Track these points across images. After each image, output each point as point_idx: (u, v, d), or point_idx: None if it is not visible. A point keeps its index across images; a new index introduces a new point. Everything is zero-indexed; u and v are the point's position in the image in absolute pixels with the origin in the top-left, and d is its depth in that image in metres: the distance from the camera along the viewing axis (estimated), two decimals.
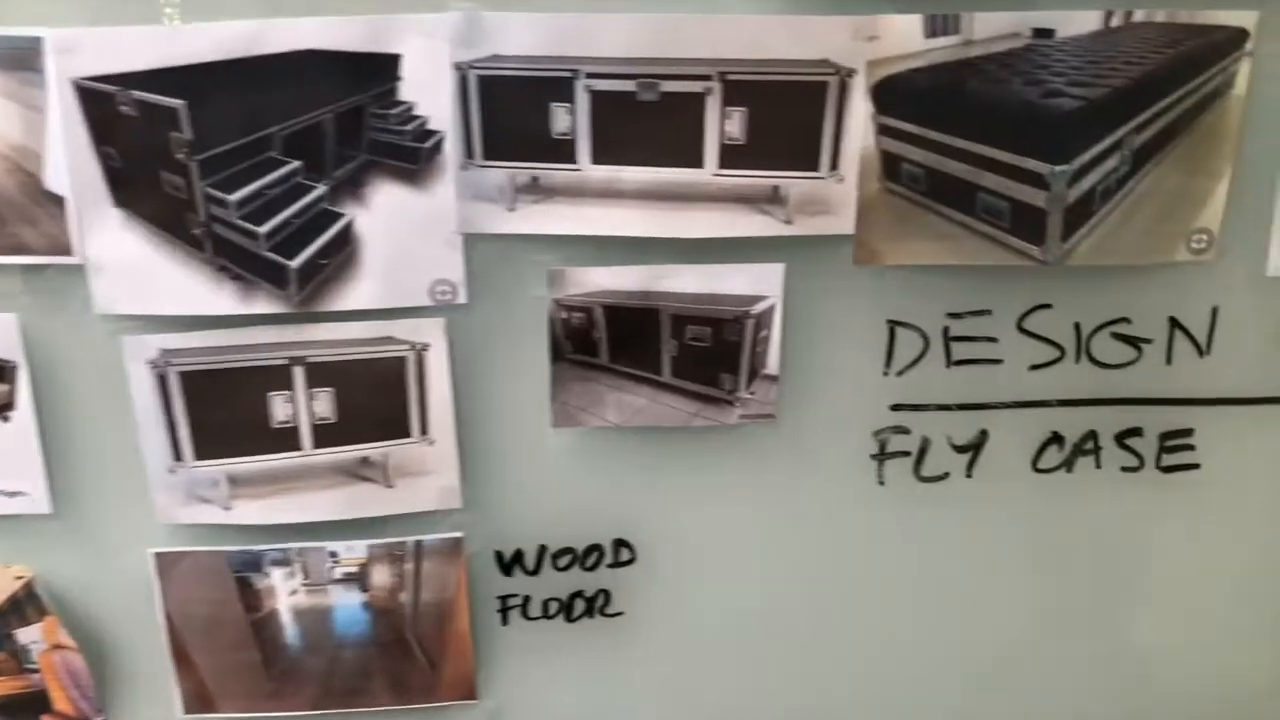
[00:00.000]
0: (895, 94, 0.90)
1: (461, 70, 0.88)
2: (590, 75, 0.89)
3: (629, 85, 0.89)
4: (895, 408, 0.99)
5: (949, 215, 0.93)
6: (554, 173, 0.92)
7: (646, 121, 0.90)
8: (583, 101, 0.89)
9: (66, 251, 0.92)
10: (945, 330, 0.97)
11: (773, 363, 0.97)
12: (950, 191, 0.92)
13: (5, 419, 0.97)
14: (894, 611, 1.05)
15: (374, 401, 0.97)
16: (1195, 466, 1.02)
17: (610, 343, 0.97)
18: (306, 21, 0.87)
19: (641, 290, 0.95)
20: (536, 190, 0.92)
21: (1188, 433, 1.01)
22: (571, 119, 0.90)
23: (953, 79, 0.89)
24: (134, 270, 0.92)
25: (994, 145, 0.90)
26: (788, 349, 0.97)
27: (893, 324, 0.97)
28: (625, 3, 0.87)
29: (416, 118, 0.90)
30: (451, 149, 0.90)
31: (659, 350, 0.97)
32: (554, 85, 0.89)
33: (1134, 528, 1.03)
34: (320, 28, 0.87)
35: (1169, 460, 1.02)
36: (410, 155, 0.91)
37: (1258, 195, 0.93)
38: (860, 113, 0.90)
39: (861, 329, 0.97)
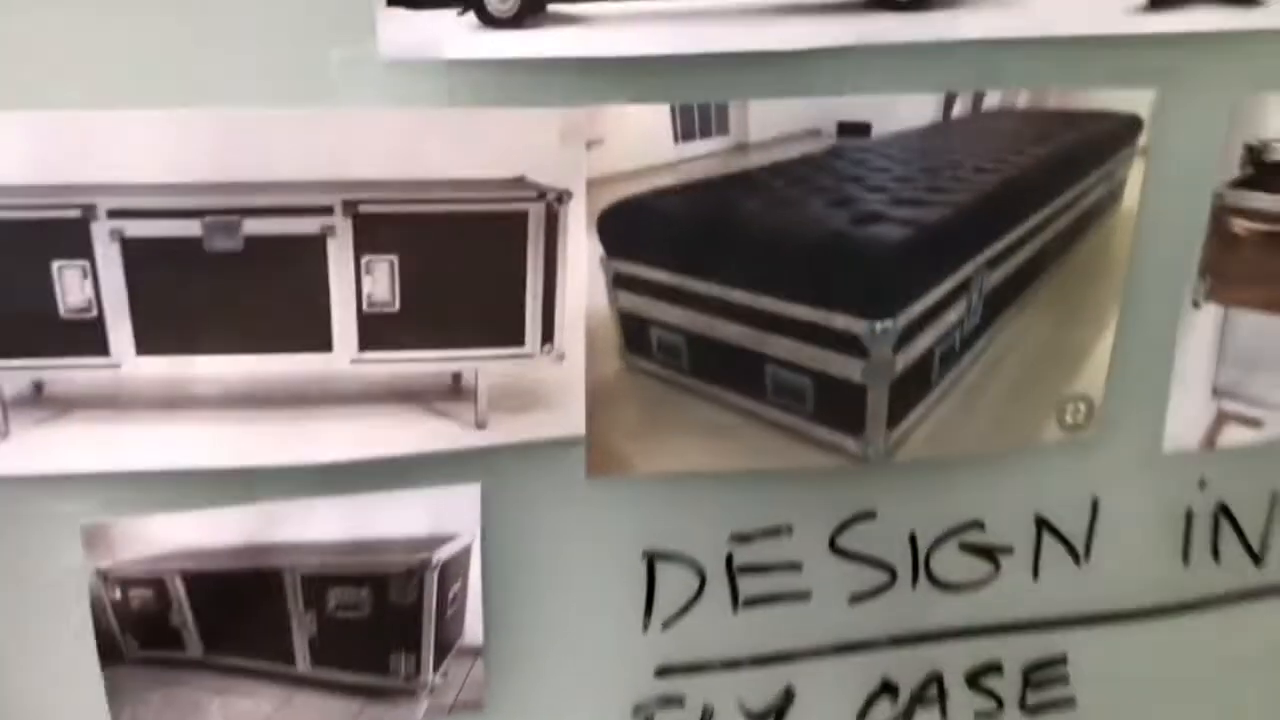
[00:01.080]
0: (634, 227, 0.57)
1: None
2: (117, 213, 0.52)
3: (189, 227, 0.52)
4: (662, 672, 0.67)
5: (724, 399, 0.61)
6: (71, 372, 0.54)
7: (227, 283, 0.53)
8: (109, 255, 0.52)
9: None
10: (728, 559, 0.66)
11: (473, 630, 0.63)
12: (724, 366, 0.60)
13: None
14: None
15: None
16: (1070, 703, 0.74)
17: (204, 628, 0.60)
18: None
19: (249, 544, 0.59)
20: (43, 402, 0.54)
21: (1060, 661, 0.73)
22: (92, 285, 0.52)
23: (719, 202, 0.57)
24: None
25: (786, 297, 0.59)
26: (495, 608, 0.63)
27: (652, 557, 0.65)
28: (177, 90, 0.50)
29: None
30: None
31: (288, 629, 0.61)
32: (55, 232, 0.51)
33: None
34: None
35: (1036, 698, 0.74)
36: None
37: (1152, 347, 0.65)
38: (583, 256, 0.56)
39: (606, 568, 0.64)
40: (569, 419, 0.59)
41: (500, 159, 0.54)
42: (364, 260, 0.55)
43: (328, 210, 0.53)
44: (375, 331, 0.56)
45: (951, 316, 0.61)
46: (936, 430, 0.64)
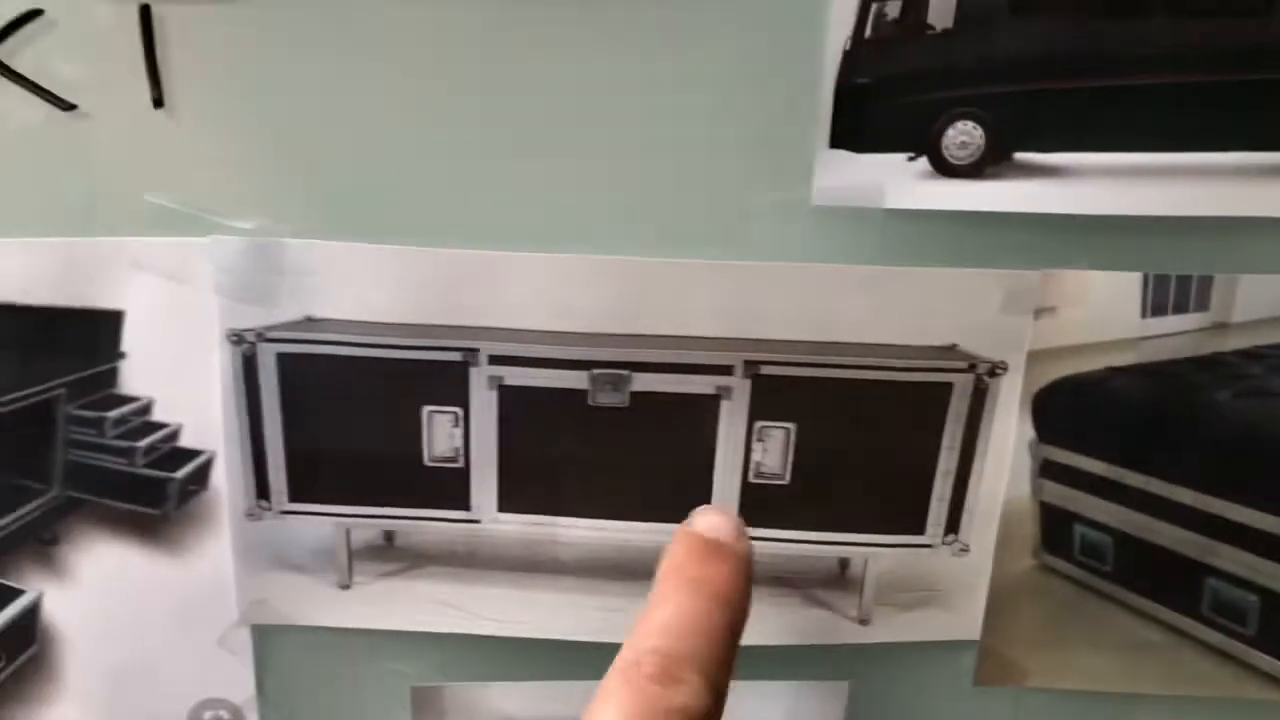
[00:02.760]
0: (1078, 410, 0.48)
1: (243, 344, 0.45)
2: (499, 360, 0.46)
3: (573, 379, 0.46)
4: None
5: (1150, 612, 0.51)
6: (426, 524, 0.48)
7: (605, 441, 0.47)
8: (484, 403, 0.46)
9: None
10: None
11: None
12: (1155, 574, 0.50)
13: None
14: None
15: None
16: None
17: None
18: None
19: None
20: (391, 554, 0.49)
21: None
22: (463, 434, 0.47)
23: (1183, 387, 0.47)
24: None
25: (1243, 501, 0.48)
26: None
27: None
28: (577, 233, 0.44)
29: (158, 427, 0.46)
30: (228, 484, 0.47)
31: None
32: (431, 376, 0.46)
33: None
34: None
35: None
36: (150, 492, 0.47)
37: None
38: (1009, 438, 0.48)
39: None
40: (964, 620, 0.51)
41: (928, 323, 0.46)
42: (757, 426, 0.47)
43: (727, 370, 0.46)
44: (759, 506, 0.48)
45: None
46: None
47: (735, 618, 0.30)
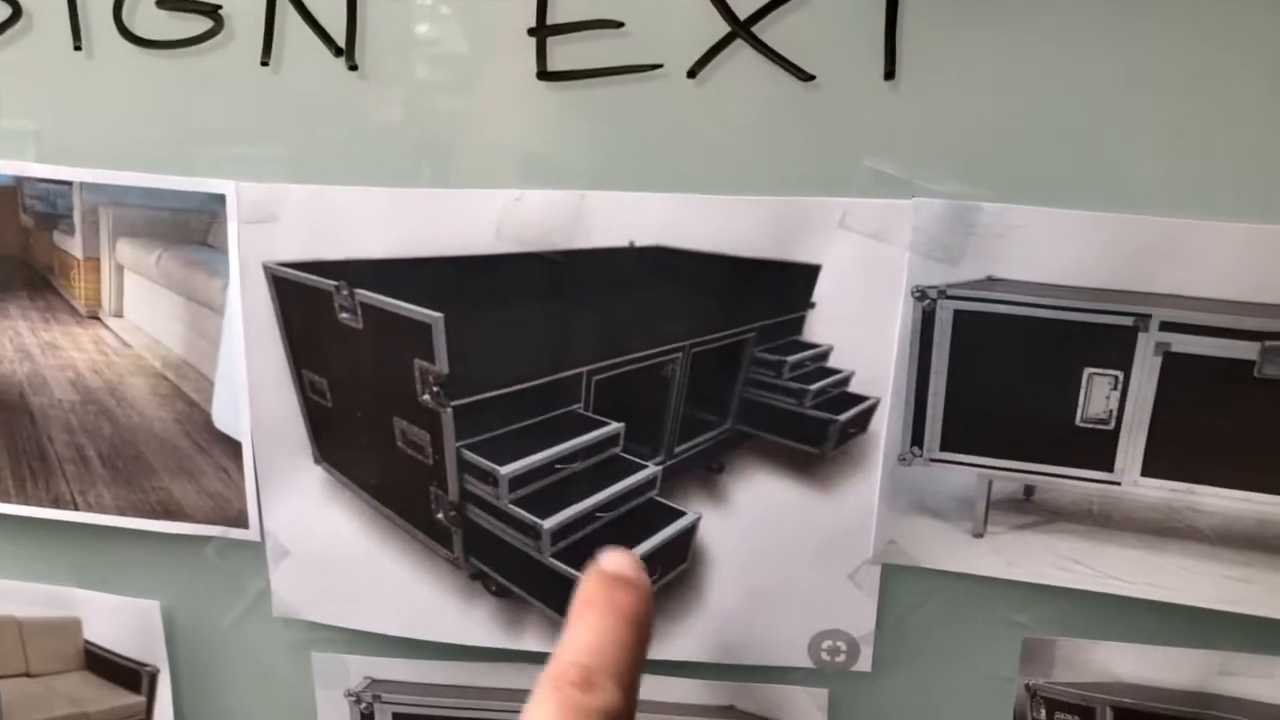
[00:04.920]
0: None
1: (926, 300, 0.48)
2: (1169, 326, 0.47)
3: (1243, 349, 0.47)
4: None
5: None
6: (1067, 482, 0.50)
7: (1259, 414, 0.48)
8: (1147, 368, 0.48)
9: (239, 522, 0.57)
10: None
11: None
12: None
13: None
14: None
15: None
16: None
17: None
18: (662, 200, 0.49)
19: (1191, 690, 0.53)
20: (1027, 508, 0.51)
21: None
22: (1119, 397, 0.49)
23: None
24: (338, 561, 0.57)
25: None
26: None
27: None
28: (1241, 200, 0.45)
29: (830, 373, 0.51)
30: (887, 429, 0.51)
31: None
32: (1097, 339, 0.48)
33: None
34: (683, 211, 0.48)
35: None
36: (812, 432, 0.52)
37: None
38: None
39: None
40: None
41: None
42: None
43: None
44: None
45: None
46: None
47: (642, 635, 0.36)
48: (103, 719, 0.63)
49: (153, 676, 0.62)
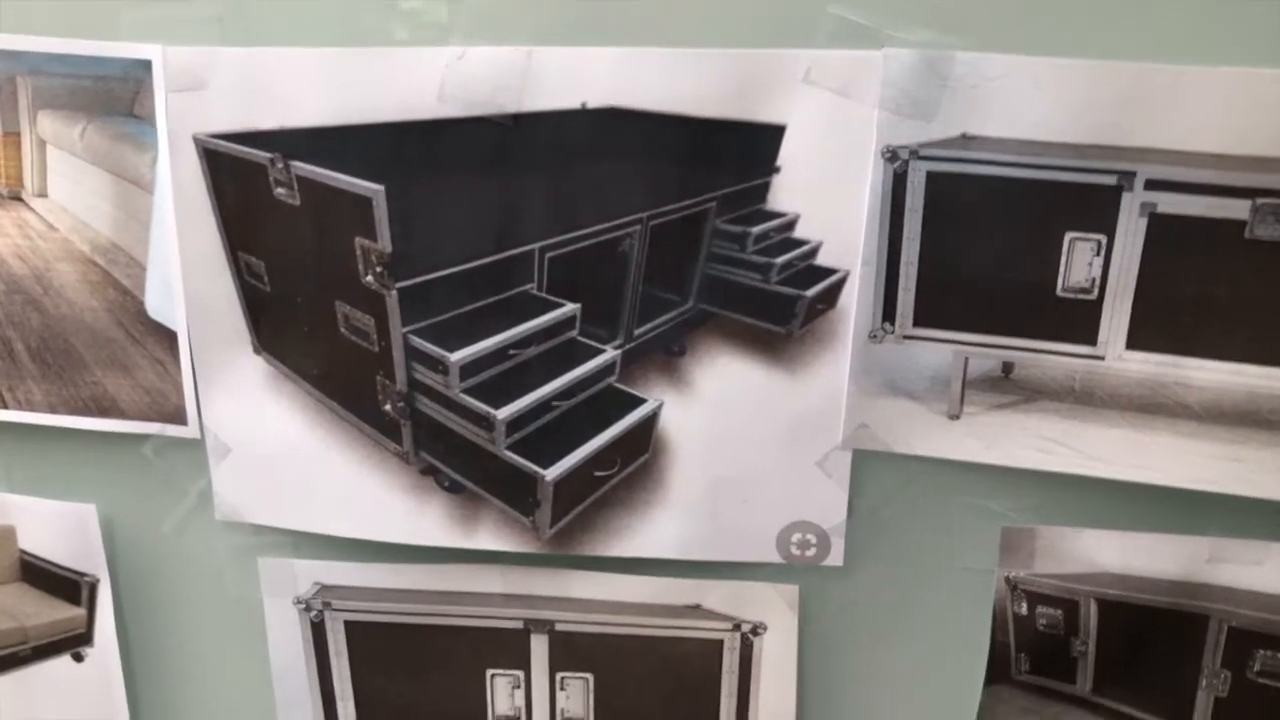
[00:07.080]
0: None
1: (897, 161, 0.45)
2: (1155, 185, 0.44)
3: (1233, 208, 0.44)
4: None
5: None
6: (1048, 357, 0.48)
7: (1251, 280, 0.45)
8: (1132, 231, 0.45)
9: (177, 419, 0.54)
10: None
11: None
12: None
13: (78, 658, 0.60)
14: None
15: (657, 706, 0.56)
16: None
17: (1101, 662, 0.52)
18: (615, 54, 0.45)
19: (1178, 580, 0.51)
20: (1006, 386, 0.49)
21: None
22: (1102, 263, 0.46)
23: None
24: (282, 458, 0.54)
25: None
26: None
27: None
28: (1228, 42, 0.42)
29: (797, 244, 0.48)
30: (857, 304, 0.48)
31: (1194, 685, 0.52)
32: (1079, 200, 0.45)
33: None
34: (638, 66, 0.45)
35: None
36: (777, 309, 0.49)
37: None
38: None
39: None
40: None
41: None
42: None
43: None
44: None
45: None
46: None
47: None
48: (41, 633, 0.60)
49: (92, 587, 0.59)
